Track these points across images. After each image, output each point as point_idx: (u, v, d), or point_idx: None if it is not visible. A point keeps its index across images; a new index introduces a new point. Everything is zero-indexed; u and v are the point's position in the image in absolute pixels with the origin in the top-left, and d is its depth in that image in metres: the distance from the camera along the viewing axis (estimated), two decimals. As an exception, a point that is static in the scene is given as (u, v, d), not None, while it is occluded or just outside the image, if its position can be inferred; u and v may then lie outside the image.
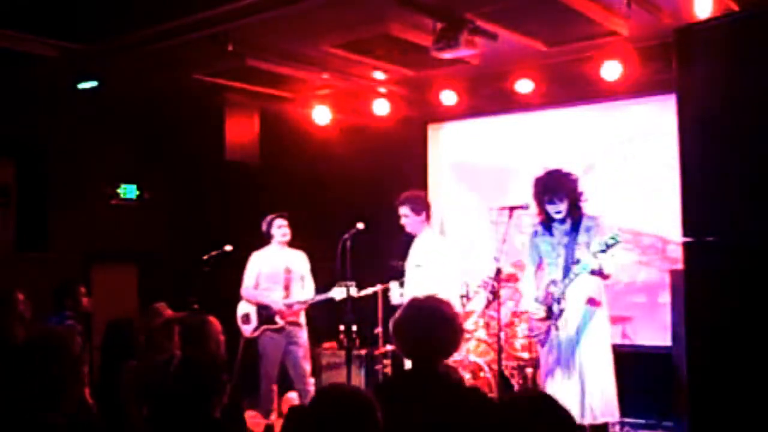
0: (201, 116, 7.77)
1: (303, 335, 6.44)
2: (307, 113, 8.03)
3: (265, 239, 6.53)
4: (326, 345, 7.53)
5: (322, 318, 7.15)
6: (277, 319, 6.31)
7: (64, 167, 7.86)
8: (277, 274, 6.42)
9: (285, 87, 7.66)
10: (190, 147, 8.08)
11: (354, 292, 6.04)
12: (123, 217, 8.29)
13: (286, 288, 6.41)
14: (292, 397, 6.80)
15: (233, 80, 7.28)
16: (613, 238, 4.74)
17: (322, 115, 8.01)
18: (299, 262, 6.53)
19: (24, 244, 7.61)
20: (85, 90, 6.53)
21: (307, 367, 6.42)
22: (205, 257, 6.53)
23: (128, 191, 8.42)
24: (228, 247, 6.62)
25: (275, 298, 6.35)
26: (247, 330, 6.41)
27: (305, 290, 6.46)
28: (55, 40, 5.96)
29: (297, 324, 6.39)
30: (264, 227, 6.47)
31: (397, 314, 3.19)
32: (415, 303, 3.17)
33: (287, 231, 6.46)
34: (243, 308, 6.46)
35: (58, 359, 2.93)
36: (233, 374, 6.36)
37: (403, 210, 5.89)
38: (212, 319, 4.15)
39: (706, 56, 3.79)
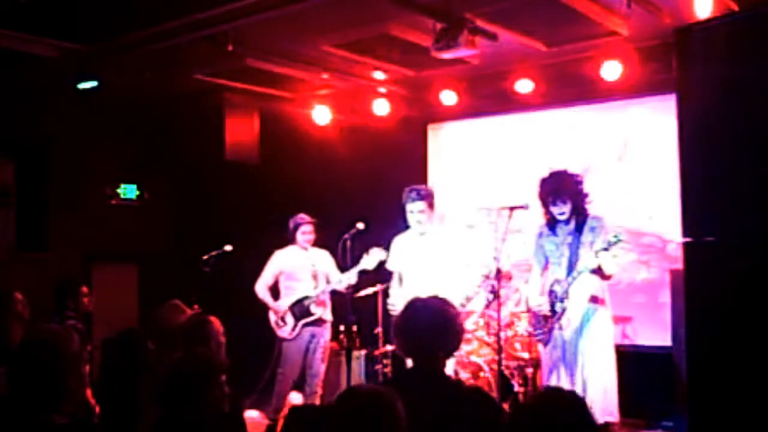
0: (201, 116, 7.77)
1: (326, 335, 6.50)
2: (307, 113, 8.03)
3: (287, 238, 6.56)
4: (326, 345, 7.53)
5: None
6: (313, 309, 6.33)
7: (64, 167, 7.87)
8: (303, 268, 6.47)
9: (285, 87, 7.66)
10: (190, 147, 8.08)
11: (384, 256, 5.89)
12: (123, 217, 8.30)
13: (315, 278, 6.47)
14: (292, 397, 6.80)
15: (233, 80, 7.27)
16: (615, 236, 4.77)
17: (322, 115, 8.01)
18: (323, 260, 6.55)
19: (24, 244, 7.62)
20: (85, 90, 6.53)
21: (323, 369, 6.45)
22: (205, 257, 6.53)
23: (128, 191, 8.43)
24: (228, 247, 6.62)
25: (285, 304, 6.42)
26: (284, 332, 6.42)
27: (331, 278, 6.50)
28: (55, 40, 5.97)
29: (322, 320, 6.45)
30: (290, 226, 6.49)
31: (398, 313, 3.20)
32: (416, 302, 3.17)
33: (311, 237, 6.50)
34: (277, 310, 6.47)
35: (58, 358, 2.92)
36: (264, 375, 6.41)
37: (421, 206, 5.49)
38: (213, 319, 4.13)
39: (706, 56, 3.80)
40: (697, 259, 3.82)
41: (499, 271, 5.27)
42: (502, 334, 5.42)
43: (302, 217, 6.49)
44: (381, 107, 7.83)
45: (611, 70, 6.35)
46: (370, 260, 6.06)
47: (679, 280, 4.94)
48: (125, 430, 3.61)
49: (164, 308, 4.56)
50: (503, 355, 5.76)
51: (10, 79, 6.59)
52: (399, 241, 5.76)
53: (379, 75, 7.29)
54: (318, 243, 6.71)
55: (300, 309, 6.37)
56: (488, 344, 6.39)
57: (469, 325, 6.37)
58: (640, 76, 6.42)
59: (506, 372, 6.20)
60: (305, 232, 6.46)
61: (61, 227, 7.83)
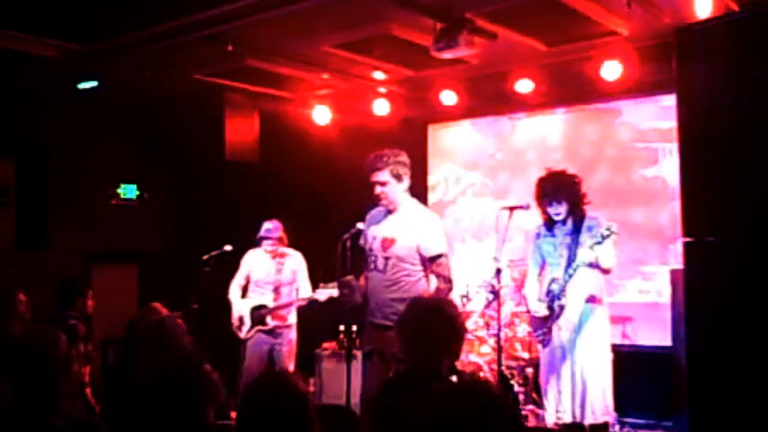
0: (201, 116, 7.77)
1: (289, 335, 6.46)
2: (307, 113, 8.02)
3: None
4: (326, 345, 7.53)
5: (323, 318, 7.15)
6: (268, 320, 6.35)
7: (64, 167, 7.87)
8: (267, 278, 6.45)
9: (285, 87, 7.66)
10: (190, 147, 8.08)
11: (335, 293, 5.70)
12: (123, 217, 8.30)
13: (276, 291, 6.43)
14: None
15: (233, 80, 7.28)
16: (608, 229, 4.82)
17: (322, 115, 8.01)
18: (293, 269, 6.51)
19: (24, 244, 7.62)
20: (85, 90, 6.53)
21: (290, 366, 6.42)
22: (205, 257, 6.52)
23: (128, 191, 8.42)
24: (228, 247, 6.61)
25: (246, 306, 6.43)
26: (242, 332, 6.43)
27: (300, 292, 6.47)
28: (55, 40, 5.96)
29: (285, 326, 6.43)
30: (258, 233, 6.46)
31: (401, 314, 3.20)
32: (419, 302, 3.17)
33: (274, 249, 6.43)
34: (236, 312, 6.48)
35: (46, 360, 2.91)
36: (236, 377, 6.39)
37: (381, 176, 4.61)
38: (171, 321, 4.06)
39: (706, 56, 3.79)
40: (697, 259, 3.82)
41: (498, 271, 5.26)
42: (502, 334, 5.43)
43: (267, 229, 6.41)
44: (381, 107, 7.83)
45: (611, 70, 6.35)
46: (322, 292, 6.06)
47: (679, 280, 4.95)
48: (125, 430, 3.61)
49: (142, 312, 4.56)
50: (503, 355, 5.77)
51: (10, 79, 6.59)
52: (369, 219, 4.91)
53: (379, 75, 7.29)
54: (317, 243, 6.71)
55: (258, 316, 6.38)
56: (488, 344, 6.41)
57: (469, 325, 6.38)
58: (640, 76, 6.42)
59: (506, 372, 6.20)
60: (268, 244, 6.43)
61: (61, 227, 7.83)
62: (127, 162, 8.45)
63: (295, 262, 6.53)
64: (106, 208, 8.23)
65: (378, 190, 4.63)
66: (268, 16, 5.43)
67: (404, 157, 4.67)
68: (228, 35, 5.77)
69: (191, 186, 8.59)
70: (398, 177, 4.61)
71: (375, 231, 4.75)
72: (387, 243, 4.64)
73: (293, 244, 6.65)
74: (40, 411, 2.81)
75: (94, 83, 6.47)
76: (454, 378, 3.19)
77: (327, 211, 8.06)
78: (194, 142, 8.01)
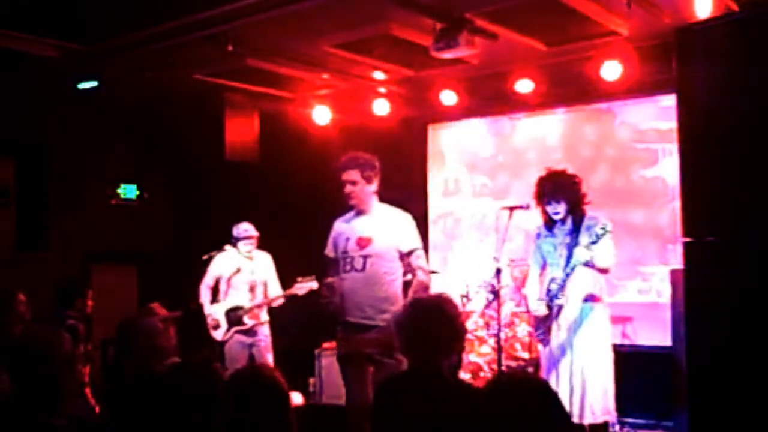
0: (201, 116, 7.77)
1: (265, 331, 6.50)
2: (307, 113, 8.02)
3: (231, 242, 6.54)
4: (326, 345, 7.52)
5: (322, 317, 7.15)
6: (246, 320, 6.36)
7: (64, 167, 7.87)
8: (242, 277, 6.47)
9: (285, 87, 7.66)
10: (190, 147, 8.08)
11: (315, 287, 5.88)
12: (123, 217, 8.30)
13: (251, 290, 6.46)
14: (292, 396, 6.80)
15: (233, 80, 7.28)
16: (603, 228, 4.81)
17: (322, 115, 8.01)
18: (264, 268, 6.54)
19: (24, 244, 7.62)
20: (85, 90, 6.53)
21: (269, 358, 6.43)
22: (205, 257, 6.53)
23: (128, 191, 8.43)
24: (228, 247, 6.62)
25: (220, 309, 6.44)
26: (218, 335, 6.44)
27: (269, 291, 6.51)
28: (55, 40, 5.97)
29: (260, 323, 6.46)
30: (233, 234, 6.47)
31: (400, 312, 3.20)
32: (419, 302, 3.16)
33: (251, 248, 6.47)
34: (209, 314, 6.48)
35: (48, 361, 2.91)
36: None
37: (352, 175, 4.69)
38: (149, 320, 4.03)
39: (706, 56, 3.80)
40: (697, 259, 3.83)
41: (498, 271, 5.27)
42: (502, 334, 5.43)
43: (245, 230, 6.44)
44: (381, 107, 7.83)
45: (611, 70, 6.35)
46: (301, 287, 6.13)
47: (679, 280, 4.96)
48: (126, 430, 3.60)
49: (140, 312, 4.53)
50: (503, 355, 5.76)
51: (10, 79, 6.59)
52: (336, 225, 5.00)
53: (379, 75, 7.29)
54: (317, 242, 6.70)
55: (234, 317, 6.40)
56: (488, 344, 6.40)
57: (469, 325, 6.38)
58: (640, 76, 6.42)
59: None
60: (247, 244, 6.45)
61: (61, 227, 7.83)
62: (127, 162, 8.46)
63: (266, 261, 6.58)
64: (106, 208, 8.24)
65: (348, 188, 4.73)
66: (268, 16, 5.44)
67: (376, 162, 4.81)
68: (228, 35, 5.77)
69: (191, 186, 8.59)
70: (368, 179, 4.73)
71: (348, 232, 4.83)
72: (363, 242, 4.73)
73: (294, 244, 6.66)
74: (41, 411, 2.81)
75: (94, 83, 6.48)
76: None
77: (326, 211, 8.04)
78: (194, 142, 8.01)
